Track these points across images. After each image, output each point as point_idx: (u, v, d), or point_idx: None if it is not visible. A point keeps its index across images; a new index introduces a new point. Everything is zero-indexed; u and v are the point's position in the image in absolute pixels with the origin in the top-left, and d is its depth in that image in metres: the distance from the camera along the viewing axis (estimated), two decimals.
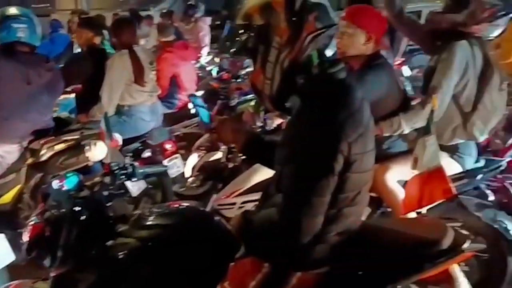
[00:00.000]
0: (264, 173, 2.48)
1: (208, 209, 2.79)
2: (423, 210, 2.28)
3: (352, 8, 2.66)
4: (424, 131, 2.18)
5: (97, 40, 4.38)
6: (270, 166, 1.84)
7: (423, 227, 1.80)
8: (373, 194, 2.68)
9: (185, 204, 2.14)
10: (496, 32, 2.65)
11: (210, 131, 1.90)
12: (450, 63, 2.54)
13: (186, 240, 1.81)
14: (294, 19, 1.54)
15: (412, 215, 2.37)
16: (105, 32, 4.84)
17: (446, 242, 1.64)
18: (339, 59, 1.67)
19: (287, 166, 1.65)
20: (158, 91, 4.32)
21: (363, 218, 2.57)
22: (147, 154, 3.79)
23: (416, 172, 2.21)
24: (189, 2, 9.21)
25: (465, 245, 1.66)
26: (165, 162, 3.77)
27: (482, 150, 4.05)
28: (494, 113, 2.67)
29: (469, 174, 2.76)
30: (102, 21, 5.86)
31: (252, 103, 3.11)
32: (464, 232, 1.79)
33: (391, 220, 2.44)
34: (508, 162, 3.37)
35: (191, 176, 3.11)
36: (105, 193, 1.92)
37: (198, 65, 6.74)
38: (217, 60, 6.85)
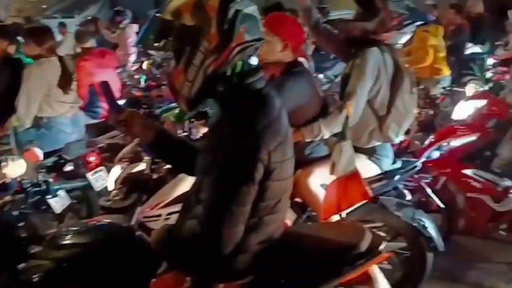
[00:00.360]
0: (189, 183, 2.45)
1: (133, 222, 2.72)
2: (343, 214, 2.34)
3: (270, 16, 2.73)
4: (340, 137, 2.25)
5: (11, 49, 4.17)
6: (181, 168, 1.81)
7: (342, 231, 1.85)
8: (298, 200, 2.74)
9: (105, 220, 2.07)
10: (403, 39, 2.79)
11: (119, 122, 1.83)
12: (363, 69, 2.65)
13: (105, 258, 1.75)
14: (225, 27, 1.53)
15: (336, 218, 2.43)
16: (21, 40, 4.60)
17: (364, 245, 1.68)
18: (258, 69, 1.68)
19: (207, 175, 1.63)
20: (80, 102, 4.17)
21: (290, 223, 2.63)
22: (69, 167, 3.64)
23: (334, 176, 2.27)
24: (116, 8, 8.99)
25: (382, 247, 1.71)
26: (89, 175, 3.64)
27: (403, 151, 4.27)
28: (407, 115, 2.80)
29: (387, 175, 2.87)
30: (18, 29, 5.57)
31: (176, 111, 3.08)
32: (382, 233, 1.85)
33: (312, 225, 2.48)
34: (423, 162, 3.56)
35: (114, 189, 3.01)
36: (16, 212, 1.81)
37: (125, 73, 6.58)
38: (145, 67, 6.72)
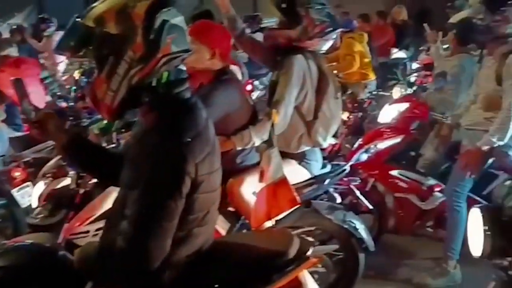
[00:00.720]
0: None
1: (60, 240, 2.61)
2: (273, 221, 2.36)
3: (196, 25, 2.72)
4: (267, 144, 2.27)
5: None
6: (102, 178, 1.75)
7: (271, 239, 1.85)
8: (231, 209, 2.73)
9: (27, 240, 1.96)
10: (326, 46, 2.86)
11: (32, 123, 1.76)
12: (289, 76, 2.69)
13: (26, 281, 1.66)
14: (152, 37, 1.50)
15: (268, 225, 2.45)
16: None
17: (292, 251, 1.70)
18: (184, 79, 1.66)
19: (131, 190, 1.58)
20: (3, 115, 3.96)
21: (223, 233, 2.62)
22: None
23: (263, 184, 2.28)
24: (40, 16, 8.66)
25: (309, 252, 1.73)
26: (14, 191, 3.46)
27: (334, 155, 4.37)
28: (333, 120, 2.87)
29: (318, 179, 2.92)
30: None
31: (104, 123, 2.99)
32: (310, 238, 1.88)
33: (242, 234, 2.48)
34: (353, 165, 3.67)
35: (38, 206, 2.88)
36: None
37: (55, 84, 6.32)
38: (76, 76, 6.48)
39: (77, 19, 1.62)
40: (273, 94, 2.76)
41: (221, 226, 2.59)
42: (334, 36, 2.85)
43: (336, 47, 6.40)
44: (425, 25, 4.83)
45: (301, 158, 2.86)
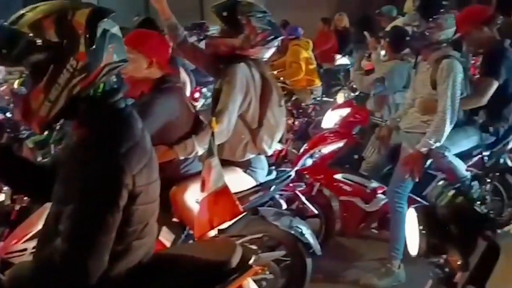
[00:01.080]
0: None
1: None
2: (216, 231, 2.34)
3: (133, 34, 2.68)
4: (207, 153, 2.26)
5: None
6: (30, 193, 1.68)
7: (214, 249, 1.84)
8: (176, 220, 2.69)
9: None
10: (268, 54, 2.88)
11: None
12: (233, 84, 2.69)
13: None
14: (94, 46, 1.46)
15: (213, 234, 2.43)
16: None
17: (235, 260, 1.69)
18: (119, 89, 1.62)
19: (65, 205, 1.53)
20: None
21: (168, 244, 2.57)
22: None
23: (205, 194, 2.26)
24: None
25: (252, 260, 1.73)
26: None
27: (282, 160, 4.41)
28: (277, 127, 2.88)
29: (263, 186, 2.93)
30: None
31: (40, 136, 2.89)
32: (254, 246, 1.87)
33: (185, 245, 2.45)
34: (300, 170, 3.71)
35: None
36: None
37: None
38: (16, 86, 6.21)
39: (4, 24, 1.54)
40: (217, 102, 2.75)
41: (166, 238, 2.55)
42: (276, 44, 2.88)
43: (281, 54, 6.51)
44: (365, 33, 4.97)
45: (246, 166, 2.86)
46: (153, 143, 2.39)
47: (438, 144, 3.20)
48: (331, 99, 5.58)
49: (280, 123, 2.90)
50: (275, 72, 6.55)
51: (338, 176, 3.72)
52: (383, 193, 3.61)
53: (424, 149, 3.21)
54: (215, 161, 2.21)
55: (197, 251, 1.82)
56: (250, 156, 2.86)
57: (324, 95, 6.11)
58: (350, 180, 3.70)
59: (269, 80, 2.84)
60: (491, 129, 3.57)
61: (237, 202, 2.26)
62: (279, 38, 2.90)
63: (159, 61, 2.55)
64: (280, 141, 3.01)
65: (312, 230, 3.04)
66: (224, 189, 2.21)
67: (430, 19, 3.28)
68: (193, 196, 2.57)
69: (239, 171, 2.85)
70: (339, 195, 3.74)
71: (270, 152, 2.91)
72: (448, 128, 3.18)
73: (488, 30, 3.60)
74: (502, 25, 3.88)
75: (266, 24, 2.79)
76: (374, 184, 3.68)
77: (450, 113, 3.17)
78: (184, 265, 1.70)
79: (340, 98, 5.25)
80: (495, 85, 3.47)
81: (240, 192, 2.81)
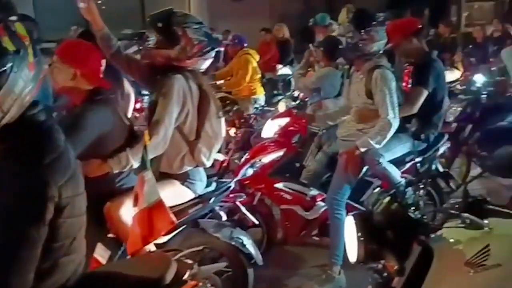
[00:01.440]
0: None
1: None
2: (152, 246, 2.30)
3: (62, 44, 2.64)
4: (141, 167, 2.21)
5: None
6: None
7: (148, 265, 1.80)
8: (111, 235, 2.62)
9: None
10: (205, 65, 2.87)
11: None
12: (169, 96, 2.65)
13: None
14: (38, 56, 1.43)
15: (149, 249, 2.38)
16: None
17: (169, 276, 1.66)
18: (37, 101, 1.58)
19: None
20: None
21: (103, 261, 2.50)
22: None
23: (137, 209, 2.21)
24: None
25: (187, 275, 1.71)
26: None
27: (224, 171, 4.39)
28: (216, 138, 2.86)
29: (203, 198, 2.91)
30: None
31: None
32: (189, 261, 1.85)
33: (120, 262, 2.39)
34: (240, 180, 3.71)
35: None
36: None
37: None
38: None
39: None
40: (153, 114, 2.71)
41: (101, 255, 2.47)
42: (213, 55, 2.87)
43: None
44: (310, 45, 5.08)
45: (184, 178, 2.83)
46: (86, 156, 2.34)
47: (377, 146, 3.32)
48: (273, 109, 5.64)
49: (219, 135, 2.89)
50: (222, 81, 6.59)
51: (279, 185, 3.75)
52: (323, 200, 3.68)
53: (363, 148, 3.32)
54: (148, 175, 2.17)
55: (131, 268, 1.78)
56: (188, 168, 2.83)
57: (266, 105, 6.16)
58: (290, 189, 3.75)
59: (206, 91, 2.82)
60: (422, 136, 3.73)
61: (172, 216, 2.22)
62: (216, 49, 2.89)
63: (84, 73, 2.50)
64: (220, 151, 3.00)
65: (253, 240, 3.06)
66: (159, 203, 2.17)
67: (363, 31, 3.40)
68: (128, 211, 2.50)
69: (177, 183, 2.81)
70: (280, 204, 3.78)
71: (208, 164, 2.89)
72: (391, 132, 3.31)
73: (417, 41, 3.78)
74: (433, 37, 4.10)
75: (202, 35, 2.78)
76: (314, 192, 3.74)
77: (393, 118, 3.30)
78: (116, 283, 1.66)
79: (282, 107, 5.31)
80: (425, 94, 3.64)
81: (179, 205, 2.78)
